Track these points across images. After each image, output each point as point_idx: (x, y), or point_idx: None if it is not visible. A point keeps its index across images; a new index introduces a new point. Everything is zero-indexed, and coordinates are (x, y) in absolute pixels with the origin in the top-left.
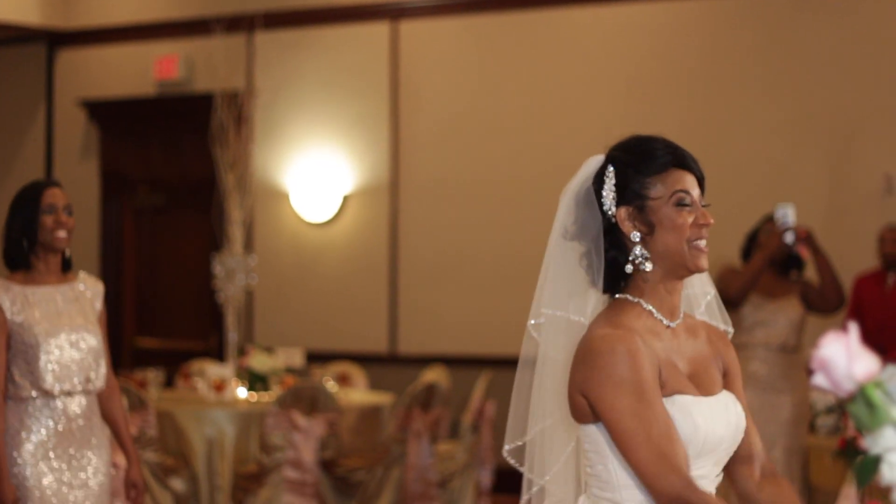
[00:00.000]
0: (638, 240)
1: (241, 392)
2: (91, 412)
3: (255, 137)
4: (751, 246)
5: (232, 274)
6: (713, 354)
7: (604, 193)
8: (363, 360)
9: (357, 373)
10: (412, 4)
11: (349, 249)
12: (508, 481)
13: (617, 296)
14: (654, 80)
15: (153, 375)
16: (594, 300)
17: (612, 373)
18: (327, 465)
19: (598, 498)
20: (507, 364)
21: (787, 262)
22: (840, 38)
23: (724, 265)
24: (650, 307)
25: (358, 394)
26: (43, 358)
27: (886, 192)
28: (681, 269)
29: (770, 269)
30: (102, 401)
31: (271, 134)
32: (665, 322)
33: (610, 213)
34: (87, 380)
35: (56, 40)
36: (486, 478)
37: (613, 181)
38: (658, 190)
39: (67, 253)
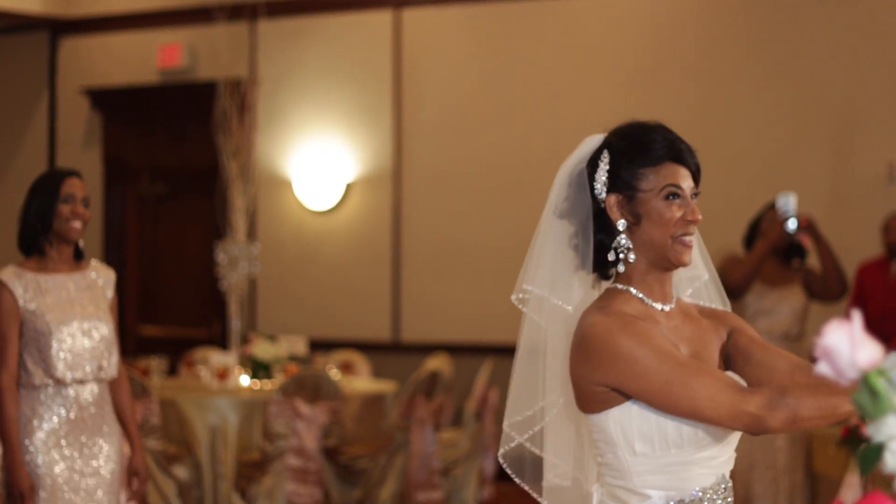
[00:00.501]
0: (624, 228)
1: (245, 380)
2: (103, 400)
3: (258, 126)
4: (753, 234)
5: (235, 262)
6: (713, 335)
7: (596, 177)
8: (366, 347)
9: (360, 361)
10: None
11: (352, 237)
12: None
13: (606, 286)
14: (656, 69)
15: (156, 363)
16: (579, 287)
17: (619, 345)
18: (330, 453)
19: (612, 486)
20: (510, 352)
21: (789, 251)
22: (842, 25)
23: (726, 254)
24: (640, 294)
25: (361, 382)
26: (55, 346)
27: (889, 180)
28: (664, 261)
29: (772, 258)
30: (111, 389)
31: (274, 122)
32: (658, 306)
33: (600, 197)
34: (100, 368)
35: (59, 28)
36: (489, 465)
37: (607, 167)
38: (649, 182)
39: (81, 244)
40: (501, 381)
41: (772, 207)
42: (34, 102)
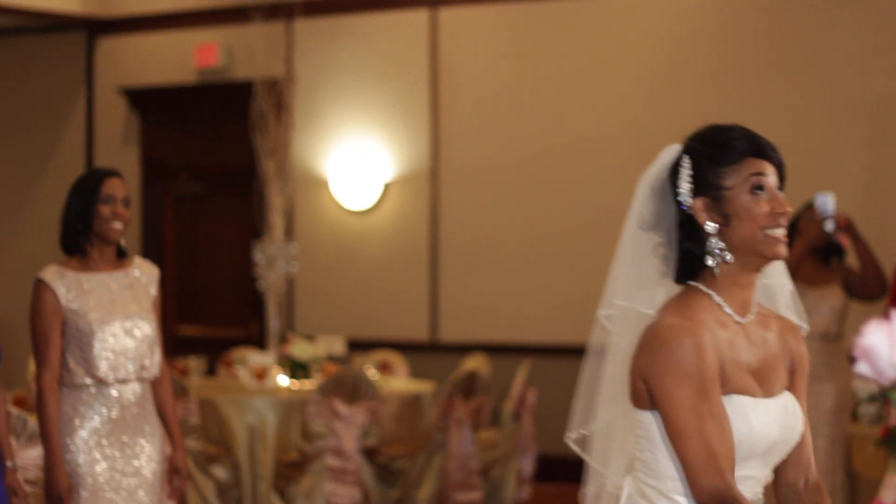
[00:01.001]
0: (714, 231)
1: (283, 380)
2: (145, 400)
3: (294, 125)
4: (791, 234)
5: (273, 261)
6: (782, 352)
7: (679, 184)
8: (404, 347)
9: (398, 361)
10: None
11: (390, 237)
12: (550, 469)
13: (690, 283)
14: (691, 67)
15: (195, 363)
16: (663, 292)
17: (676, 364)
18: (369, 453)
19: (643, 484)
20: (548, 352)
21: (827, 251)
22: (876, 21)
23: None
24: (720, 300)
25: (399, 382)
26: (97, 346)
27: None
28: (757, 259)
29: (811, 258)
30: (153, 387)
31: (311, 121)
32: (735, 317)
33: (685, 204)
34: (142, 367)
35: (96, 28)
36: (527, 465)
37: (689, 172)
38: (733, 179)
39: (122, 243)
40: (539, 381)
41: (810, 207)
42: (72, 102)
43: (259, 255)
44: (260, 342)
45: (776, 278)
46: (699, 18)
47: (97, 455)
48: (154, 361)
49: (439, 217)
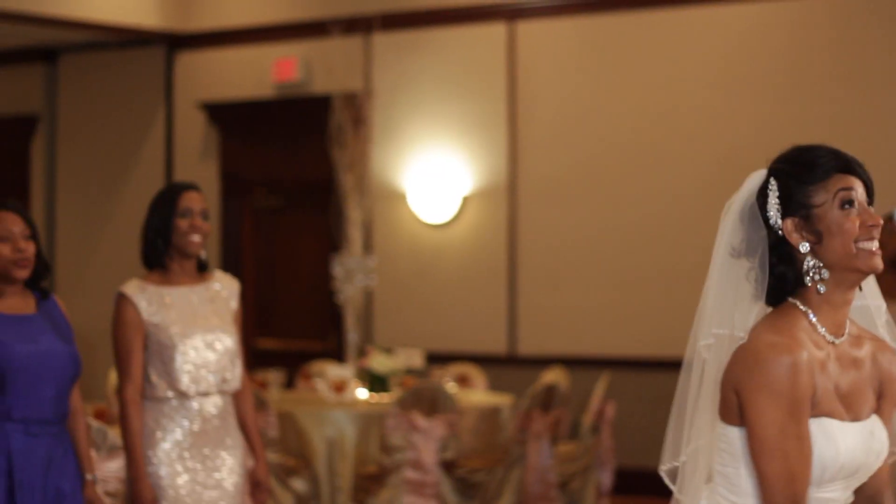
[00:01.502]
0: (806, 250)
1: (361, 393)
2: (226, 412)
3: (372, 138)
4: None
5: (351, 275)
6: (872, 373)
7: (768, 207)
8: (483, 360)
9: (476, 374)
10: (529, 5)
11: (468, 250)
12: (629, 482)
13: (788, 299)
14: (777, 79)
15: (273, 376)
16: (755, 317)
17: (772, 382)
18: (447, 466)
19: (722, 498)
20: (628, 364)
21: None
22: None
23: None
24: (815, 320)
25: (477, 395)
26: (179, 359)
27: None
28: (853, 274)
29: (890, 270)
30: (234, 400)
31: (389, 135)
32: (828, 338)
33: (776, 226)
34: (223, 380)
35: (175, 43)
36: (606, 479)
37: (777, 193)
38: (822, 196)
39: (203, 256)
40: (618, 395)
41: (890, 218)
42: (151, 117)
43: (337, 269)
44: (338, 355)
45: (873, 299)
46: (776, 30)
47: (179, 468)
48: (235, 374)
49: (517, 230)
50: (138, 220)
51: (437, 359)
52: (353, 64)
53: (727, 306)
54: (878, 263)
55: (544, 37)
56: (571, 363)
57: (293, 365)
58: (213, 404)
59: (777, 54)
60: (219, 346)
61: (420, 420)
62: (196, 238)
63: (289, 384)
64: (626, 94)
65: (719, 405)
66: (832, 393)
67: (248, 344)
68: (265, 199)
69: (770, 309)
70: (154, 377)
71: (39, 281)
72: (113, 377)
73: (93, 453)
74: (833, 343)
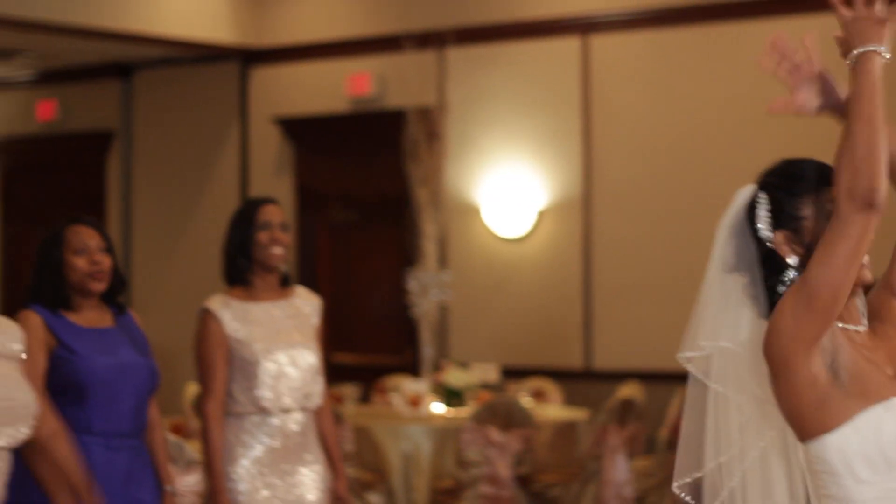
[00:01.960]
0: (796, 263)
1: (437, 407)
2: (307, 429)
3: (447, 153)
4: None
5: (426, 289)
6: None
7: (758, 220)
8: (558, 375)
9: (552, 388)
10: (603, 19)
11: (543, 264)
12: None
13: None
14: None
15: (349, 391)
16: (747, 326)
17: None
18: (523, 481)
19: None
20: None
21: None
22: None
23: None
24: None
25: (553, 409)
26: (261, 375)
27: None
28: None
29: None
30: (315, 416)
31: (463, 149)
32: (852, 328)
33: (766, 239)
34: (305, 397)
35: (250, 58)
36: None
37: (767, 206)
38: (810, 208)
39: (283, 268)
40: None
41: None
42: (226, 132)
43: (412, 283)
44: (414, 370)
45: None
46: None
47: (258, 484)
48: (316, 391)
49: (592, 244)
50: (214, 235)
51: (513, 373)
52: (427, 78)
53: (720, 320)
54: (867, 276)
55: (618, 50)
56: (647, 377)
57: (369, 379)
58: (294, 421)
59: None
60: (301, 362)
61: (495, 435)
62: (277, 250)
63: (364, 399)
64: (699, 106)
65: (795, 431)
66: (885, 374)
67: (324, 358)
68: (340, 214)
69: (762, 321)
70: (236, 393)
71: (116, 295)
72: (190, 392)
73: (170, 467)
74: (858, 331)
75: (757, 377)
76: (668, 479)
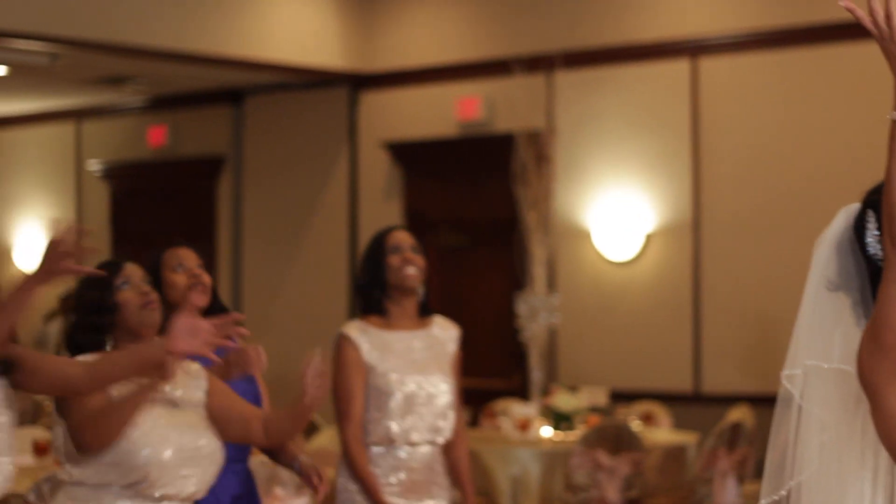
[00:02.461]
0: None
1: (546, 431)
2: (434, 461)
3: (556, 176)
4: None
5: (535, 313)
6: None
7: (867, 239)
8: (667, 399)
9: (661, 412)
10: (712, 41)
11: (652, 288)
12: None
13: None
14: None
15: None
16: (840, 345)
17: None
18: None
19: None
20: None
21: None
22: None
23: None
24: None
25: (662, 433)
26: (392, 405)
27: None
28: None
29: None
30: (449, 446)
31: (572, 172)
32: None
33: (876, 257)
34: (435, 431)
35: (359, 83)
36: None
37: (876, 224)
38: None
39: (420, 291)
40: None
41: None
42: (336, 157)
43: (521, 307)
44: (523, 393)
45: None
46: None
47: None
48: (447, 425)
49: (701, 266)
50: (324, 260)
51: (622, 397)
52: (536, 102)
53: (819, 339)
54: None
55: (727, 72)
56: (757, 401)
57: (478, 403)
58: (421, 454)
59: None
60: (434, 396)
61: (604, 458)
62: (411, 270)
63: (473, 422)
64: (810, 129)
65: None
66: None
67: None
68: (449, 238)
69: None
70: (365, 422)
71: (217, 316)
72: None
73: (279, 490)
74: None
75: (844, 396)
76: None
